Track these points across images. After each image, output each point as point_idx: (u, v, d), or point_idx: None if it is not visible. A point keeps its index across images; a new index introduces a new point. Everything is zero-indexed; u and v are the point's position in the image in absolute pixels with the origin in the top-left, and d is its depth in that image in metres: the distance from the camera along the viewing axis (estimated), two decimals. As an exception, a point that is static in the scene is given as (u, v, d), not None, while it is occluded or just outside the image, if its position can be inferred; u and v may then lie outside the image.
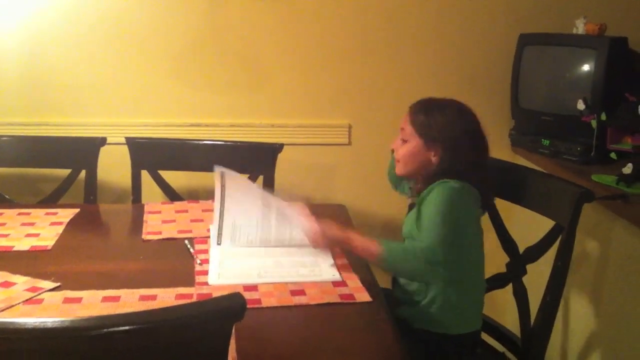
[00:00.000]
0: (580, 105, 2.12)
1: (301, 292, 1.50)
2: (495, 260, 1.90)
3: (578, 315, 2.12)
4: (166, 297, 1.47)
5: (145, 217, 2.01)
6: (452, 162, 1.63)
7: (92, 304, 1.43)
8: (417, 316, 1.66)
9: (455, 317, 1.66)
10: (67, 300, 1.44)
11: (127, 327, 0.96)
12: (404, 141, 1.70)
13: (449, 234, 1.56)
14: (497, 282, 1.88)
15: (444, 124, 1.65)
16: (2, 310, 1.39)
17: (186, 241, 1.80)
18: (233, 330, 1.08)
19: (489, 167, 1.70)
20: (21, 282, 1.53)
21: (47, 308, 1.41)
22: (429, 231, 1.57)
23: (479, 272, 1.72)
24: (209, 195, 2.51)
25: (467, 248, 1.65)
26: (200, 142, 2.39)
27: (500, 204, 1.93)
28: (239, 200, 1.80)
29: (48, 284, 1.51)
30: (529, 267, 1.82)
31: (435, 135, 1.65)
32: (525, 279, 1.82)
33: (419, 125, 1.67)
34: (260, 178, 2.33)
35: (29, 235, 1.84)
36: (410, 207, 1.75)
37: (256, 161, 2.35)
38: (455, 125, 1.66)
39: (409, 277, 1.66)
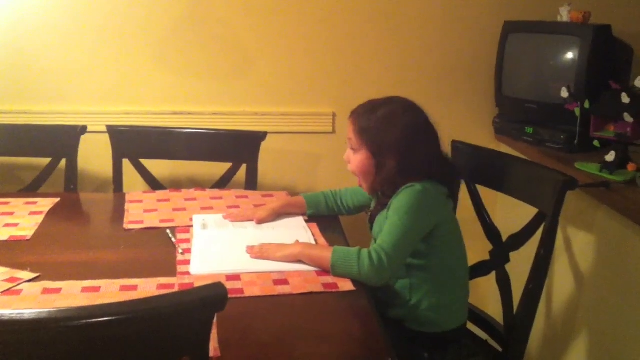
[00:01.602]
0: (564, 93, 2.13)
1: (284, 282, 1.49)
2: (478, 248, 1.90)
3: (561, 302, 2.13)
4: (147, 287, 1.45)
5: (127, 206, 1.98)
6: (407, 163, 1.59)
7: (71, 294, 1.41)
8: (405, 317, 1.65)
9: (443, 316, 1.66)
10: (46, 291, 1.42)
11: (107, 318, 0.95)
12: (354, 150, 1.66)
13: (403, 241, 1.53)
14: (480, 270, 1.88)
15: (387, 128, 1.60)
16: (-20, 302, 1.37)
17: (168, 230, 1.78)
18: (215, 320, 1.07)
19: (446, 157, 1.69)
20: (-1, 272, 1.50)
21: (26, 299, 1.39)
22: (384, 235, 1.54)
23: (462, 266, 1.72)
24: (191, 184, 2.50)
25: (446, 246, 1.64)
26: (183, 131, 2.37)
27: (484, 191, 1.93)
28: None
29: (27, 275, 1.49)
30: (512, 254, 1.82)
31: (382, 143, 1.60)
32: (508, 267, 1.82)
33: (363, 135, 1.62)
34: (244, 167, 2.32)
35: (7, 225, 1.81)
36: (379, 204, 1.69)
37: (239, 150, 2.33)
38: (400, 126, 1.60)
39: (359, 280, 1.51)
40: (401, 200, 1.57)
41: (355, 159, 1.66)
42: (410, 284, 1.63)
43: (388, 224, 1.56)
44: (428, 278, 1.63)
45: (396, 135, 1.59)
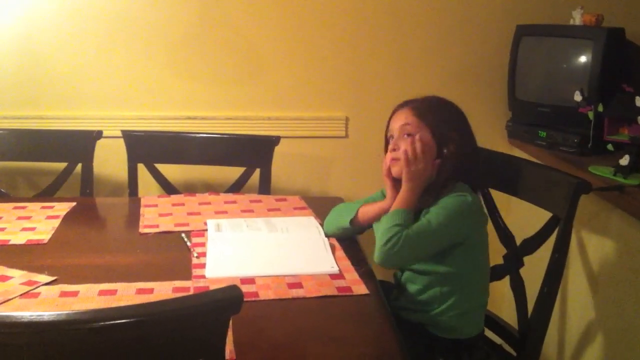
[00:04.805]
0: (577, 97, 2.12)
1: (298, 285, 1.50)
2: (492, 252, 1.90)
3: (575, 306, 2.12)
4: (163, 291, 1.46)
5: (142, 210, 2.00)
6: (464, 150, 1.61)
7: (88, 297, 1.43)
8: (427, 321, 1.65)
9: (465, 323, 1.66)
10: (63, 294, 1.44)
11: (123, 321, 0.95)
12: (409, 135, 1.61)
13: (430, 237, 1.55)
14: (494, 274, 1.87)
15: (445, 110, 1.65)
16: (-1, 304, 1.39)
17: (183, 234, 1.80)
18: (230, 323, 1.08)
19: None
20: (17, 275, 1.52)
21: (44, 302, 1.40)
22: (421, 225, 1.55)
23: (486, 274, 1.73)
24: (205, 188, 2.52)
25: (476, 255, 1.66)
26: (197, 135, 2.39)
27: (497, 196, 1.93)
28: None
29: (44, 278, 1.51)
30: (526, 259, 1.82)
31: (446, 126, 1.62)
32: (522, 271, 1.82)
33: (425, 116, 1.62)
34: (257, 171, 2.33)
35: (25, 229, 1.84)
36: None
37: (253, 154, 2.35)
38: (455, 111, 1.66)
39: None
40: (448, 201, 1.58)
41: (411, 139, 1.60)
42: (440, 293, 1.63)
43: (426, 217, 1.57)
44: (457, 286, 1.63)
45: (454, 117, 1.64)
